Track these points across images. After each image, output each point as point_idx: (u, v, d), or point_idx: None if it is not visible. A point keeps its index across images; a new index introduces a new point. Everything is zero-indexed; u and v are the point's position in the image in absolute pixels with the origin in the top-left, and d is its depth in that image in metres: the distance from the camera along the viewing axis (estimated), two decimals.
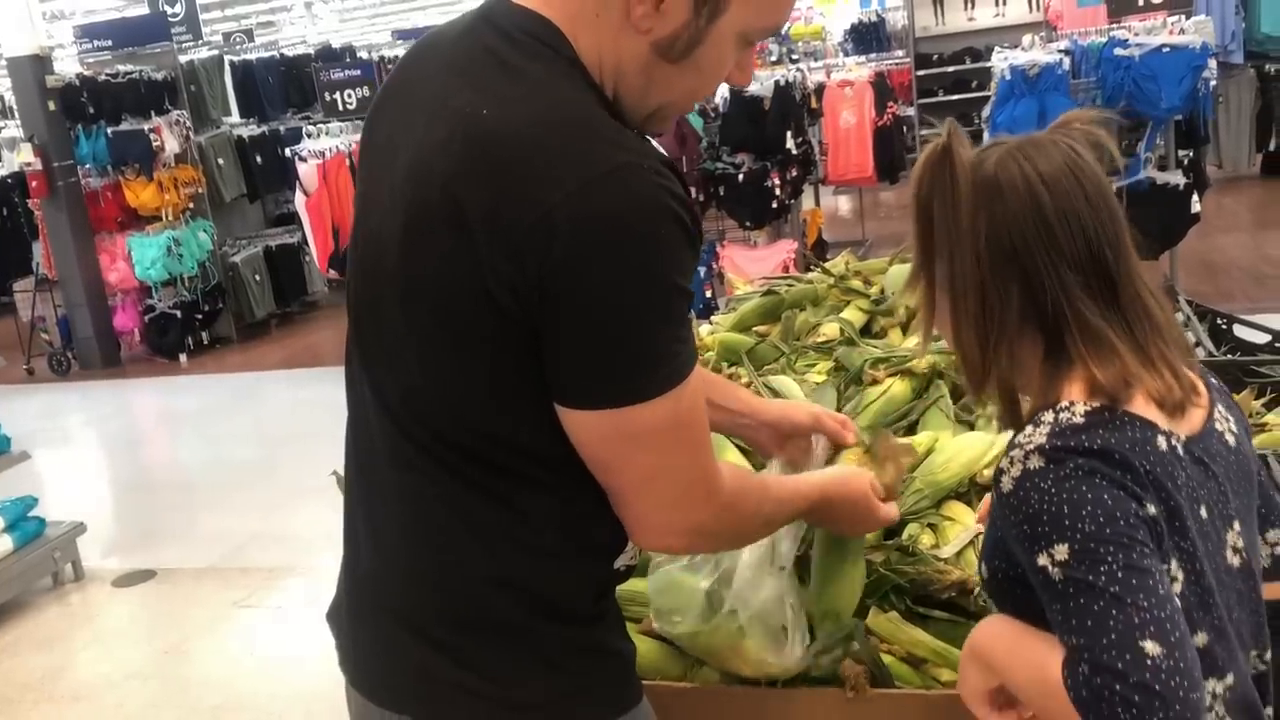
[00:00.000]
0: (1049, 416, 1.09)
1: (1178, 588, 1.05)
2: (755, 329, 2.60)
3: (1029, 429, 1.09)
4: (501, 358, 1.06)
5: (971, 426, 1.94)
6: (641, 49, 1.08)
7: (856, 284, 2.66)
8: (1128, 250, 1.14)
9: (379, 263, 1.12)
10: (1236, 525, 1.15)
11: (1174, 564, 1.06)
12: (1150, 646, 0.94)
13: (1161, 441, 1.09)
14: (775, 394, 2.08)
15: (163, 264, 9.19)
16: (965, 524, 1.67)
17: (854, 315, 2.53)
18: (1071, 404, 1.09)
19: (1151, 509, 1.04)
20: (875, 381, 2.10)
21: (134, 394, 8.97)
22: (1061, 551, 1.01)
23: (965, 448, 1.78)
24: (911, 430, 1.98)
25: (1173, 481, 1.07)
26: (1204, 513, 1.11)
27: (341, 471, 1.30)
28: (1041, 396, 1.14)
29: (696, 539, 1.19)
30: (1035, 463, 1.05)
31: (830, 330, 2.44)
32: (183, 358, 9.42)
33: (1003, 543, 1.11)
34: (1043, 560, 1.02)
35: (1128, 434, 1.07)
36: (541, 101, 1.04)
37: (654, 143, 1.25)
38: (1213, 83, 6.88)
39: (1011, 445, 1.10)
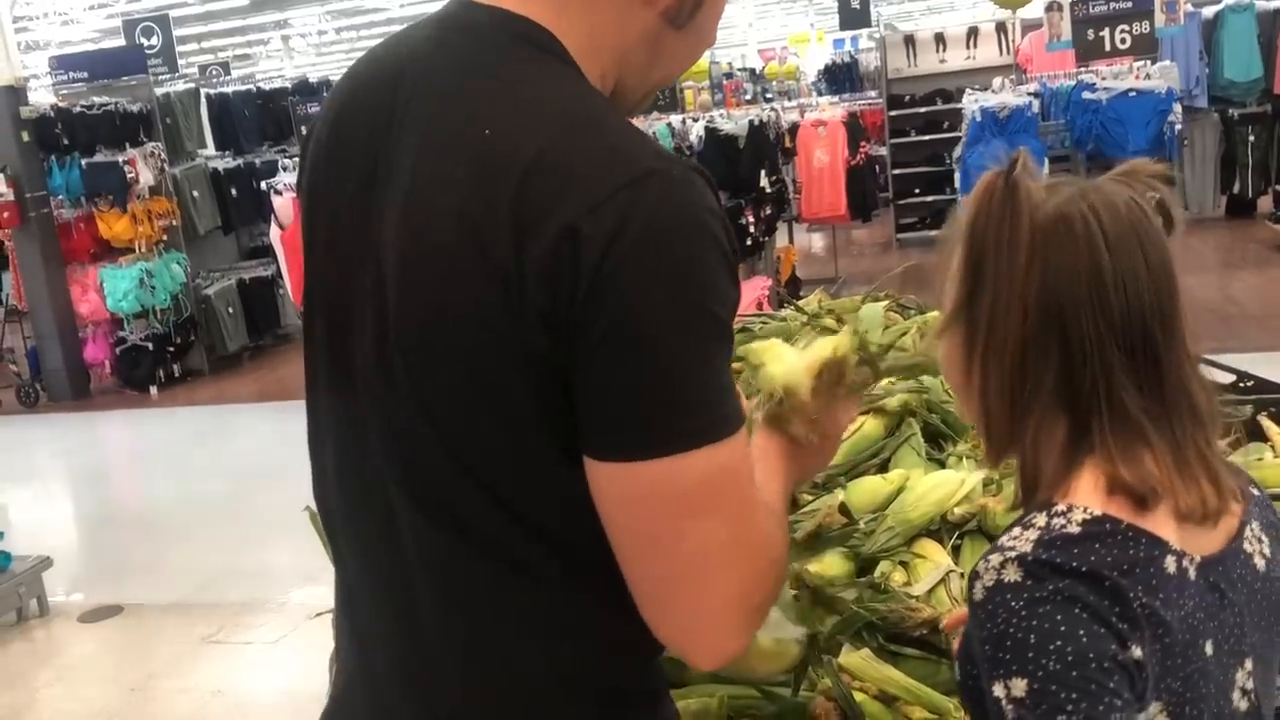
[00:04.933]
0: (1041, 519, 0.95)
1: None
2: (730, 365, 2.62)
3: (1016, 530, 0.95)
4: (539, 421, 0.91)
5: (943, 465, 1.96)
6: (649, 21, 1.01)
7: (829, 322, 2.69)
8: (1180, 332, 1.00)
9: (362, 328, 0.98)
10: (1248, 663, 1.00)
11: (1157, 708, 0.93)
12: None
13: (1170, 563, 0.94)
14: None
15: (135, 296, 9.14)
16: (937, 562, 1.68)
17: None
18: (1070, 508, 0.94)
19: (1136, 652, 0.90)
20: None
21: (103, 426, 8.88)
22: (1019, 687, 0.89)
23: (937, 486, 1.80)
24: (884, 468, 1.99)
25: (1175, 612, 0.93)
26: (1209, 649, 0.96)
27: (315, 507, 1.19)
28: (1049, 488, 1.00)
29: (757, 621, 0.99)
30: (1011, 575, 0.92)
31: None
32: (153, 390, 9.34)
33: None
34: (999, 690, 0.90)
35: (1128, 553, 0.92)
36: (545, 110, 0.92)
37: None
38: (1178, 126, 7.03)
39: (994, 547, 0.95)
